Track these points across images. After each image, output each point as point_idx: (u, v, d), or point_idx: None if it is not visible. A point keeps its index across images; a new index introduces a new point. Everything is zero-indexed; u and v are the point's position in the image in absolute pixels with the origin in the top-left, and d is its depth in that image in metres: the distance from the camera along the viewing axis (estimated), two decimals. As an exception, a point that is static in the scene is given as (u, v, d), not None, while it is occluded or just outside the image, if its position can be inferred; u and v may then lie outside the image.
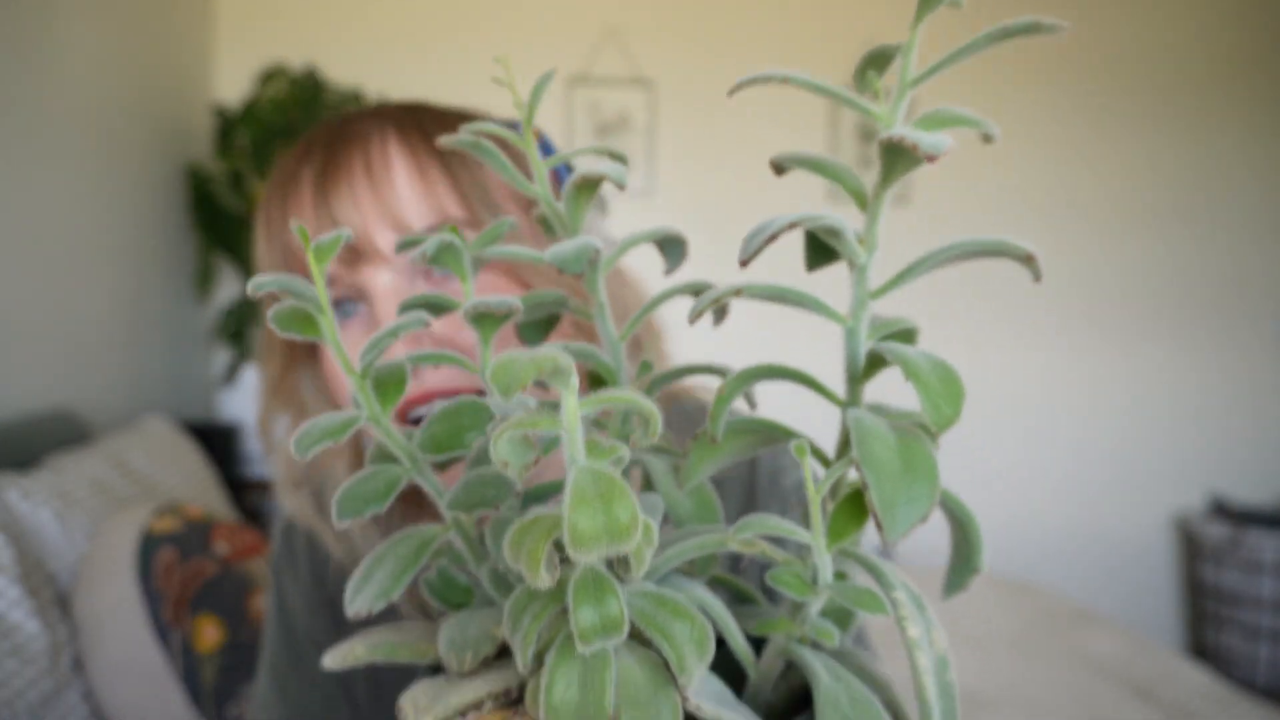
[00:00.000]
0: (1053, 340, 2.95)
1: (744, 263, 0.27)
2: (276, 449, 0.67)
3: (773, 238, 0.26)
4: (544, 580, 0.25)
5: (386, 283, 0.54)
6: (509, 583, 0.34)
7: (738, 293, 0.28)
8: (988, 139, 0.28)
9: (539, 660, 0.27)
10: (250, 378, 2.53)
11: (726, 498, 0.62)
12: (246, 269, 2.36)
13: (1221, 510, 2.82)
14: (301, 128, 2.26)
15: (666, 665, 0.26)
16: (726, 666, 0.30)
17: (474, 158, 0.52)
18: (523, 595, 0.28)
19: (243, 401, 2.58)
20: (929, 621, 0.29)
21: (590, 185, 0.34)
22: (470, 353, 0.54)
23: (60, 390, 1.76)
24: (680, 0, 2.76)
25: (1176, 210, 2.96)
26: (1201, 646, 2.88)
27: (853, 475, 0.29)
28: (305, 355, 0.64)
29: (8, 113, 1.60)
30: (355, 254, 0.54)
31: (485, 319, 0.33)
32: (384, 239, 0.54)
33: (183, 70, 2.42)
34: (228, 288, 2.49)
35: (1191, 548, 2.92)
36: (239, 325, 2.40)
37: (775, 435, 0.31)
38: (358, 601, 0.32)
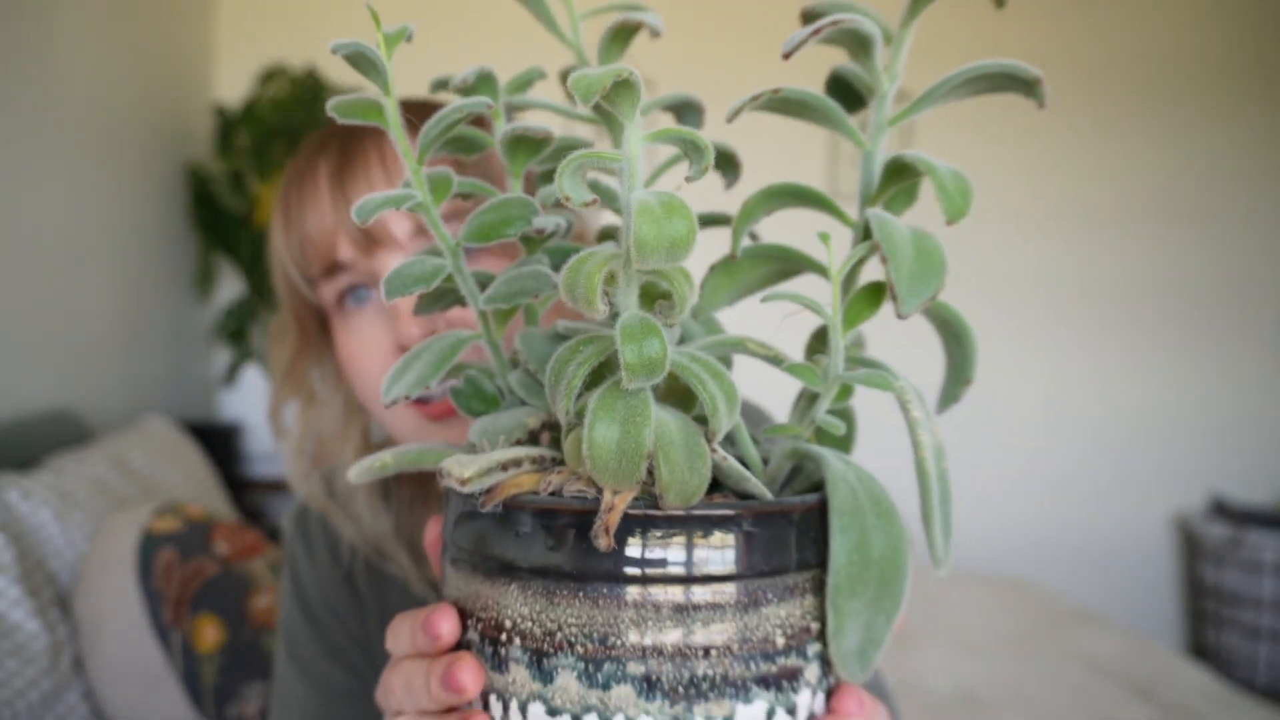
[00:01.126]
0: (1052, 341, 2.95)
1: (786, 56, 0.29)
2: (287, 435, 0.68)
3: (817, 31, 0.28)
4: (599, 310, 0.26)
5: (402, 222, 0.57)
6: (538, 383, 0.34)
7: (775, 92, 0.30)
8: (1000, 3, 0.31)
9: (578, 416, 0.28)
10: (250, 377, 2.53)
11: None
12: (246, 269, 2.36)
13: (1222, 510, 2.82)
14: (302, 127, 2.26)
15: (696, 422, 0.28)
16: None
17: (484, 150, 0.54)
18: (566, 351, 0.29)
19: (243, 401, 2.58)
20: (928, 411, 0.31)
21: (626, 32, 0.34)
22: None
23: (60, 390, 1.76)
24: (679, 0, 2.76)
25: (1177, 211, 2.97)
26: (1201, 646, 2.89)
27: (868, 276, 0.30)
28: (315, 341, 0.65)
29: (8, 113, 1.61)
30: (371, 240, 0.56)
31: (518, 151, 0.33)
32: (399, 225, 0.57)
33: (183, 71, 2.43)
34: (228, 288, 2.49)
35: (1192, 548, 2.92)
36: (239, 325, 2.40)
37: (791, 260, 0.31)
38: (396, 388, 0.33)
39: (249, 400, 2.56)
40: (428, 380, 0.33)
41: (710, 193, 0.37)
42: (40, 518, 1.24)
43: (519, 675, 0.28)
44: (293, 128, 2.25)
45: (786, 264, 0.32)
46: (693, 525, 0.28)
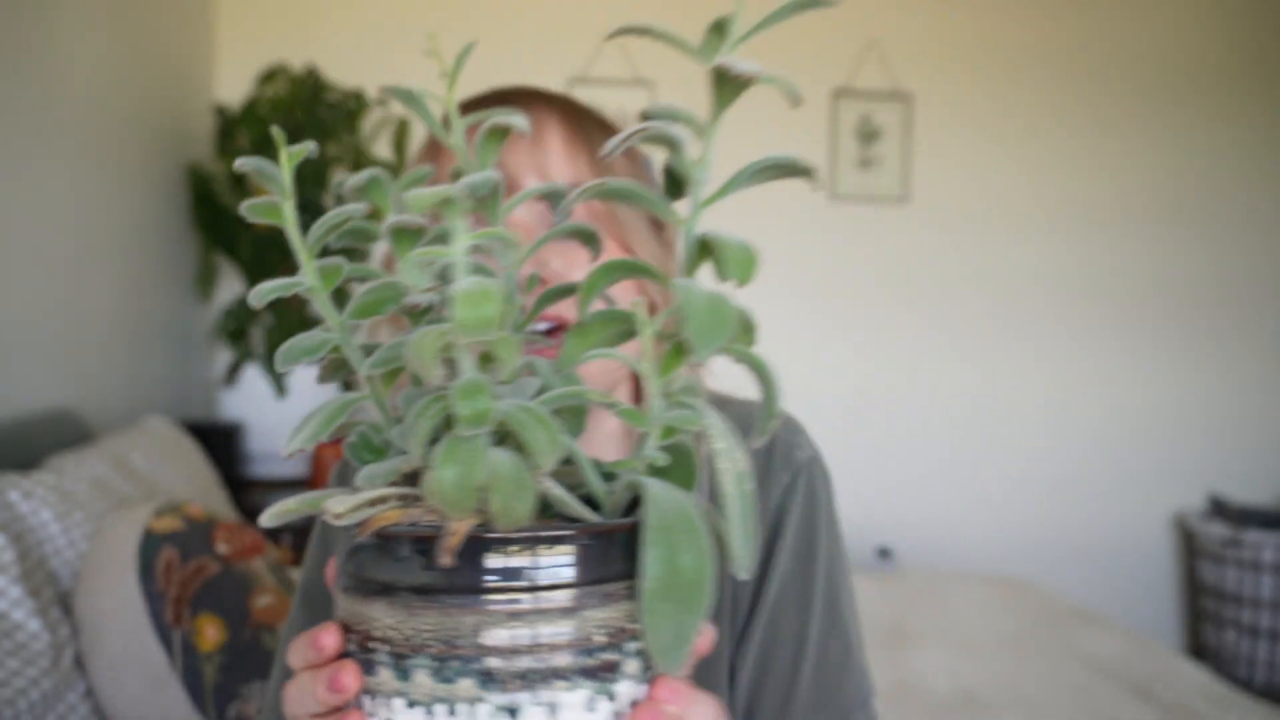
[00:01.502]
0: (1052, 341, 2.95)
1: (604, 157, 0.39)
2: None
3: (629, 137, 0.36)
4: (434, 375, 0.33)
5: (523, 216, 0.61)
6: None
7: (602, 183, 0.38)
8: (795, 102, 0.37)
9: (428, 457, 0.34)
10: (251, 377, 2.53)
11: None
12: (247, 269, 2.37)
13: (1221, 510, 2.82)
14: (302, 127, 2.26)
15: (528, 460, 0.34)
16: (588, 503, 0.39)
17: (618, 161, 0.63)
18: (418, 408, 0.34)
19: (243, 401, 2.59)
20: (732, 444, 0.37)
21: (499, 133, 0.42)
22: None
23: (61, 390, 1.76)
24: (678, 2, 2.76)
25: (1176, 211, 2.97)
26: (1200, 646, 2.89)
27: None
28: None
29: (9, 113, 1.61)
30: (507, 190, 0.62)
31: (401, 238, 0.41)
32: (530, 183, 0.62)
33: (183, 71, 2.43)
34: (228, 288, 2.49)
35: (1191, 547, 2.92)
36: (240, 325, 2.40)
37: (629, 322, 0.39)
38: (294, 442, 0.39)
39: (249, 400, 2.57)
40: (320, 435, 0.39)
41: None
42: (41, 517, 1.24)
43: (385, 676, 0.35)
44: (293, 127, 2.25)
45: (626, 324, 0.39)
46: (521, 544, 0.34)
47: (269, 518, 0.39)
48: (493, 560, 0.34)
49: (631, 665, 0.35)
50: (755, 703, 0.66)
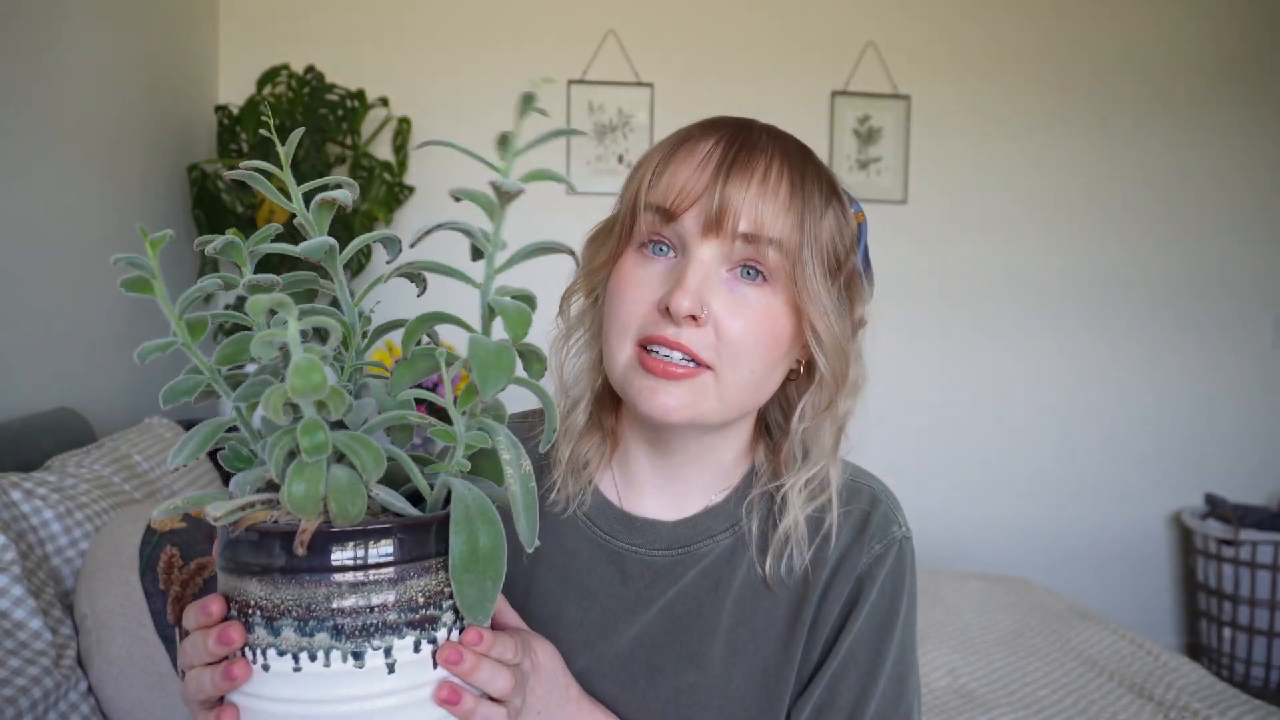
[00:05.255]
0: (1051, 340, 2.96)
1: (412, 245, 0.49)
2: (569, 322, 0.76)
3: (428, 232, 0.48)
4: (282, 418, 0.42)
5: (709, 256, 0.65)
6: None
7: (405, 270, 0.52)
8: (569, 191, 0.42)
9: (283, 475, 0.44)
10: (251, 378, 2.54)
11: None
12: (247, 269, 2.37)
13: (1219, 509, 2.83)
14: (303, 127, 2.26)
15: (360, 475, 0.45)
16: (414, 499, 0.50)
17: (826, 221, 0.68)
18: (274, 439, 0.44)
19: (243, 401, 2.59)
20: (519, 452, 0.48)
21: (330, 206, 0.52)
22: (727, 340, 0.65)
23: (63, 390, 1.77)
24: (679, 2, 2.76)
25: (1174, 211, 2.97)
26: (1198, 645, 2.89)
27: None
28: (619, 257, 0.71)
29: (13, 114, 1.61)
30: (714, 225, 0.64)
31: (258, 292, 0.51)
32: (739, 225, 0.64)
33: (186, 72, 2.43)
34: (229, 288, 2.50)
35: (1189, 546, 2.92)
36: (240, 325, 2.41)
37: (438, 359, 0.50)
38: (178, 458, 0.50)
39: (249, 400, 2.57)
40: (199, 452, 0.50)
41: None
42: (43, 517, 1.25)
43: (260, 633, 0.46)
44: (293, 128, 2.26)
45: (436, 361, 0.50)
46: (355, 535, 0.46)
47: (159, 513, 0.50)
48: (335, 549, 0.45)
49: (447, 618, 0.49)
50: None
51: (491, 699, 0.51)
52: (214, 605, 0.48)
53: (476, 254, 0.48)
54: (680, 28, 2.75)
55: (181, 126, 2.38)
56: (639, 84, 2.73)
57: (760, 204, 0.64)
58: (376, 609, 0.46)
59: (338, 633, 0.45)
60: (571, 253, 0.50)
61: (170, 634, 1.18)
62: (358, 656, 0.45)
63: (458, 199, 0.44)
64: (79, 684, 1.15)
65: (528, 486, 0.47)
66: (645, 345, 0.65)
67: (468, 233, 0.46)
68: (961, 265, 2.91)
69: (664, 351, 0.64)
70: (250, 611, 0.46)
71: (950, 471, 2.93)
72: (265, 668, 0.46)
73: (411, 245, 0.49)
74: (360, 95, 2.39)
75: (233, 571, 0.48)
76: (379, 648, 0.46)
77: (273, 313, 0.49)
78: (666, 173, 0.67)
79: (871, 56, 2.81)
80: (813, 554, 0.70)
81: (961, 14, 2.86)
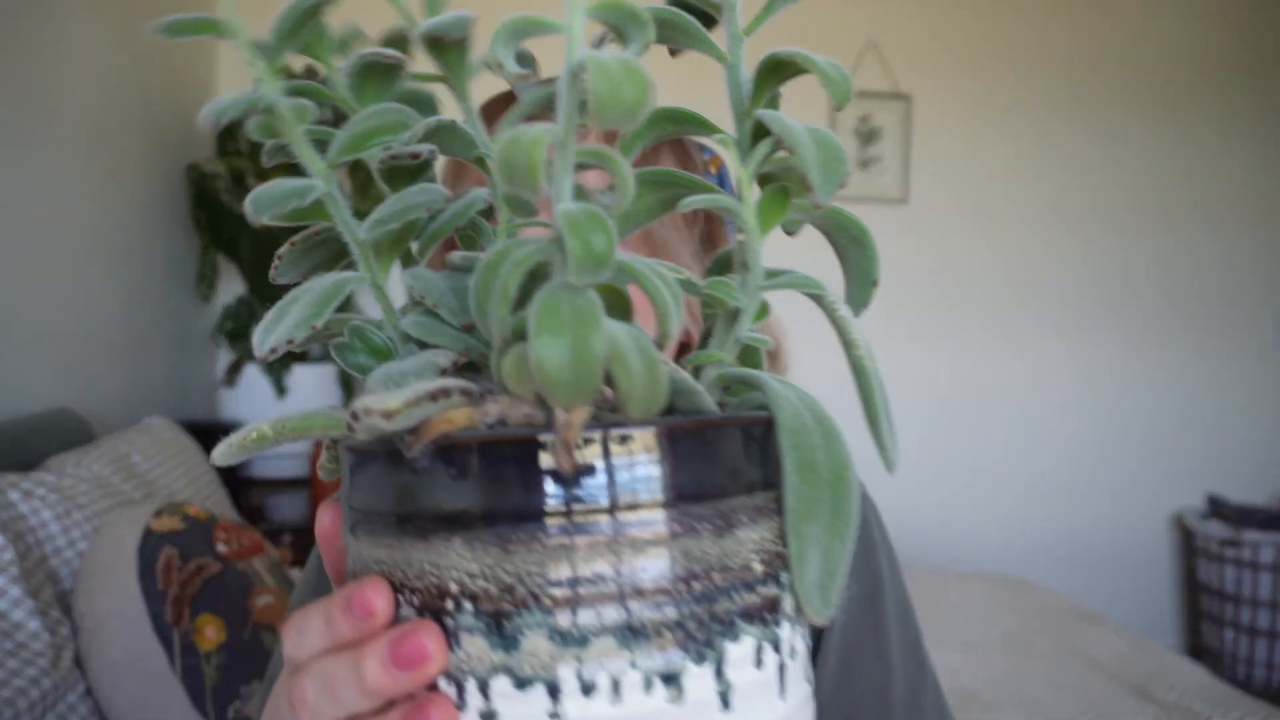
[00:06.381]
0: (1051, 341, 2.95)
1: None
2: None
3: None
4: (542, 190, 0.23)
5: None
6: (442, 321, 0.31)
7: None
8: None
9: (514, 332, 0.25)
10: (251, 377, 2.53)
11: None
12: (247, 269, 2.37)
13: (1220, 509, 2.82)
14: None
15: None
16: None
17: (664, 151, 0.57)
18: (494, 256, 0.25)
19: (244, 401, 2.58)
20: (849, 312, 0.31)
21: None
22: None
23: (62, 390, 1.76)
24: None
25: (1176, 211, 2.97)
26: (1199, 645, 2.89)
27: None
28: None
29: (10, 113, 1.61)
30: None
31: (367, 83, 0.32)
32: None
33: (184, 71, 2.43)
34: (229, 288, 2.49)
35: (1190, 547, 2.92)
36: (240, 325, 2.40)
37: (681, 184, 0.31)
38: (271, 337, 0.28)
39: (250, 400, 2.57)
40: (310, 323, 0.28)
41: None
42: (41, 517, 1.25)
43: (474, 647, 0.24)
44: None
45: (677, 189, 0.32)
46: (666, 440, 0.24)
47: (224, 453, 0.30)
48: (621, 463, 0.24)
49: (789, 602, 0.26)
50: None
51: None
52: (376, 596, 0.25)
53: (704, 21, 0.31)
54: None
55: (180, 126, 2.37)
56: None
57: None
58: (696, 581, 0.24)
59: (631, 634, 0.23)
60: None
61: (169, 635, 1.18)
62: (670, 680, 0.24)
63: None
64: (77, 685, 1.15)
65: (876, 366, 0.29)
66: None
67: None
68: (962, 265, 2.90)
69: None
70: (449, 607, 0.24)
71: (952, 471, 2.92)
72: (490, 716, 0.24)
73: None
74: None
75: (400, 531, 0.25)
76: (705, 660, 0.24)
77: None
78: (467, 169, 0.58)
79: (872, 56, 2.81)
80: None
81: (962, 13, 2.86)
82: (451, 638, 0.24)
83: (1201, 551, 2.81)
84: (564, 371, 0.21)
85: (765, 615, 0.25)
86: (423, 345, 0.31)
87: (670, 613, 0.24)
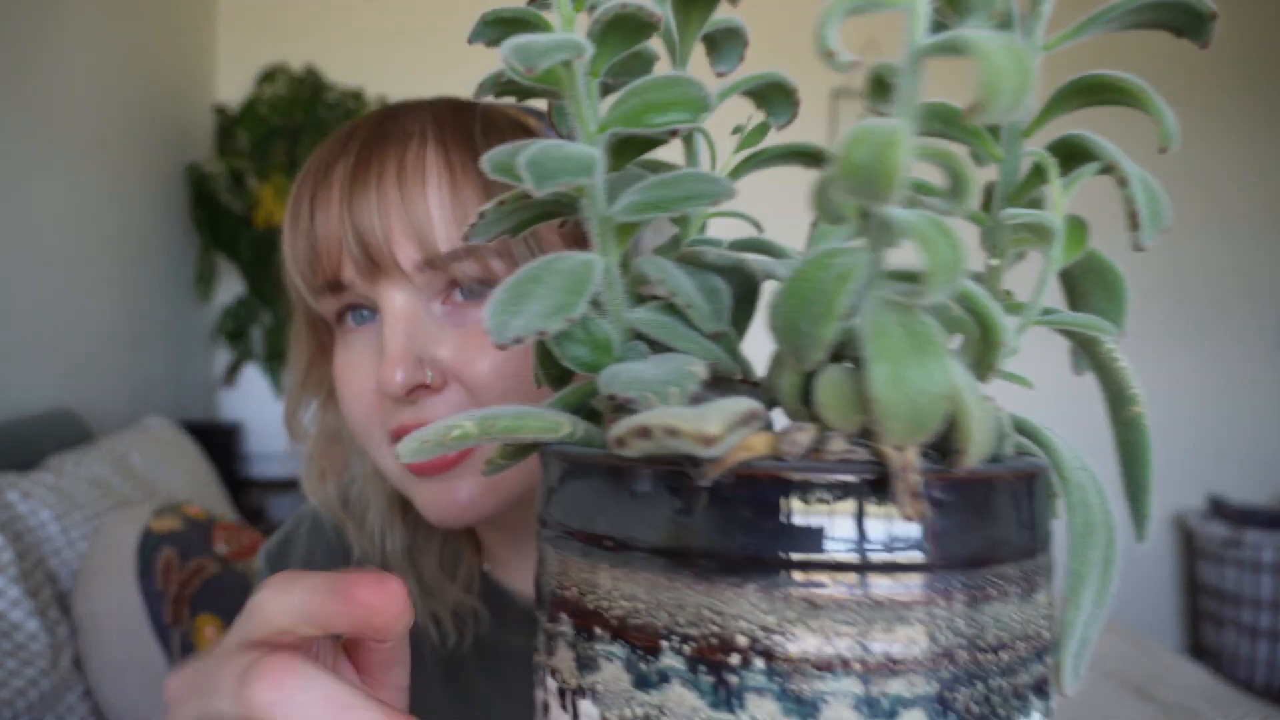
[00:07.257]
0: (1050, 340, 2.95)
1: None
2: (305, 439, 0.63)
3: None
4: (897, 196, 0.19)
5: (400, 304, 0.49)
6: (684, 322, 0.26)
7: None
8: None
9: (831, 354, 0.21)
10: (250, 377, 2.53)
11: None
12: (246, 269, 2.36)
13: (1221, 510, 2.82)
14: (301, 127, 2.26)
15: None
16: None
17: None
18: (816, 258, 0.21)
19: (243, 401, 2.58)
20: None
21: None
22: (480, 389, 0.49)
23: (61, 390, 1.76)
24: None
25: (1176, 211, 2.95)
26: (1200, 646, 2.89)
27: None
28: (329, 346, 0.60)
29: (9, 113, 1.61)
30: (374, 265, 0.49)
31: (692, 9, 0.27)
32: (405, 254, 0.48)
33: (183, 71, 2.43)
34: (228, 288, 2.49)
35: (1191, 547, 2.92)
36: (239, 325, 2.40)
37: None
38: (516, 323, 0.23)
39: (249, 400, 2.57)
40: (566, 314, 0.24)
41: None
42: (40, 517, 1.24)
43: (763, 712, 0.20)
44: (292, 128, 2.25)
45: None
46: (993, 491, 0.22)
47: (411, 449, 0.24)
48: (958, 513, 0.21)
49: (1045, 680, 0.23)
50: None
51: None
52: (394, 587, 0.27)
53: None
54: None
55: (179, 126, 2.37)
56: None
57: (407, 209, 0.48)
58: (1004, 650, 0.22)
59: (945, 708, 0.21)
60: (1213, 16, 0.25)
61: (168, 635, 1.17)
62: None
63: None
64: (76, 685, 1.15)
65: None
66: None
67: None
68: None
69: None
70: (734, 663, 0.21)
71: (951, 472, 2.92)
72: None
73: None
74: (359, 95, 2.39)
75: (676, 569, 0.21)
76: None
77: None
78: (303, 238, 0.51)
79: (873, 55, 2.81)
80: None
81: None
82: (735, 697, 0.21)
83: (1202, 552, 2.80)
84: (903, 405, 0.19)
85: (1045, 689, 0.23)
86: (653, 346, 0.27)
87: (998, 684, 0.21)
